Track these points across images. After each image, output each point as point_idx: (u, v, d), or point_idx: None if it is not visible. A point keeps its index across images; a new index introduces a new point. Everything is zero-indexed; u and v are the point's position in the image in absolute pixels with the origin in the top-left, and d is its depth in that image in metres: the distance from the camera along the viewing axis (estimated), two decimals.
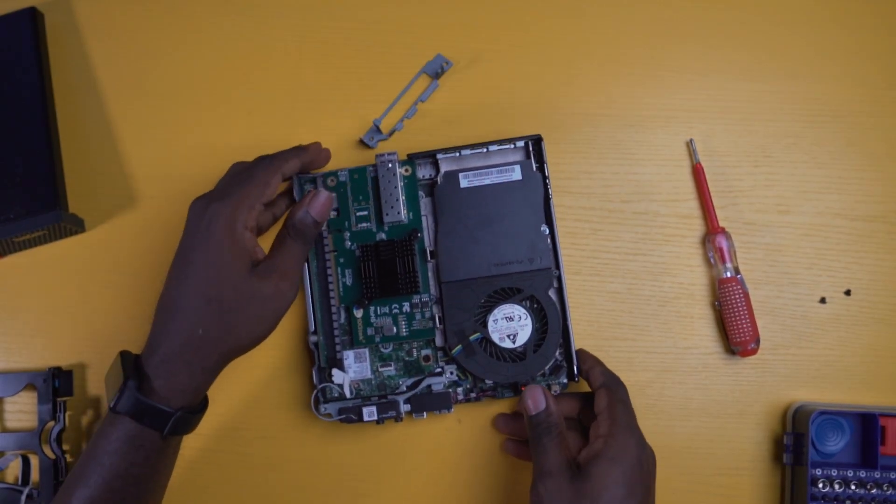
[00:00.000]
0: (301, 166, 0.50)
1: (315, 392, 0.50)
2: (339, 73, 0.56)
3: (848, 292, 0.54)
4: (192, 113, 0.56)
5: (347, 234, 0.51)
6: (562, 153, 0.55)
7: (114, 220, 0.55)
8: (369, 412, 0.50)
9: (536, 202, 0.50)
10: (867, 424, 0.51)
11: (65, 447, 0.53)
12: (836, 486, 0.50)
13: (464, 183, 0.51)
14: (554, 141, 0.55)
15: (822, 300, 0.54)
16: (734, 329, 0.52)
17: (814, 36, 0.56)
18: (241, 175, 0.47)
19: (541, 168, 0.51)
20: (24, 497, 0.51)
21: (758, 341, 0.52)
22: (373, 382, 0.51)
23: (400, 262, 0.50)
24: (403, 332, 0.50)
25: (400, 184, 0.51)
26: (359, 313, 0.51)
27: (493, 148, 0.51)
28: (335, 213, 0.51)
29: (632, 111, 0.55)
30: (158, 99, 0.56)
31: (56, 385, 0.52)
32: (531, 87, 0.56)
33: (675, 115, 0.55)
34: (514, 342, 0.50)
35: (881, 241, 0.54)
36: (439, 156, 0.51)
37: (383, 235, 0.51)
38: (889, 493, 0.49)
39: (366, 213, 0.51)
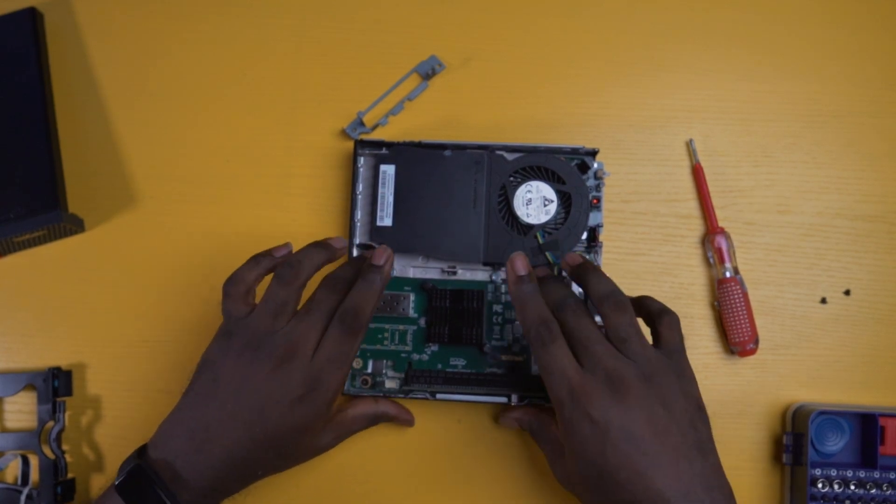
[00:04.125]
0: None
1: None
2: (339, 73, 0.56)
3: (848, 292, 0.54)
4: (192, 113, 0.56)
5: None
6: None
7: (114, 220, 0.55)
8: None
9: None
10: (867, 424, 0.51)
11: (64, 447, 0.53)
12: (836, 486, 0.50)
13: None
14: (554, 141, 0.55)
15: (823, 300, 0.54)
16: (733, 329, 0.52)
17: (814, 36, 0.56)
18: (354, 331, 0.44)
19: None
20: (23, 497, 0.51)
21: (756, 341, 0.52)
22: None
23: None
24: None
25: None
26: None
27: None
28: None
29: (632, 111, 0.55)
30: (158, 99, 0.56)
31: (55, 385, 0.52)
32: (529, 87, 0.56)
33: (674, 115, 0.55)
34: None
35: (881, 241, 0.54)
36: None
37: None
38: (889, 493, 0.49)
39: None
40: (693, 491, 0.40)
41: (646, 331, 0.45)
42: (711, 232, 0.53)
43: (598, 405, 0.41)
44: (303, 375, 0.43)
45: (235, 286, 0.45)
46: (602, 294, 0.44)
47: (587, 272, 0.46)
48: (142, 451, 0.44)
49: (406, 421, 0.51)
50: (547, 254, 0.50)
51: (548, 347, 0.43)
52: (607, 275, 0.46)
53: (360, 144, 0.53)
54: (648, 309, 0.46)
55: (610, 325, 0.43)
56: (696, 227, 0.54)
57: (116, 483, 0.42)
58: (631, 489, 0.40)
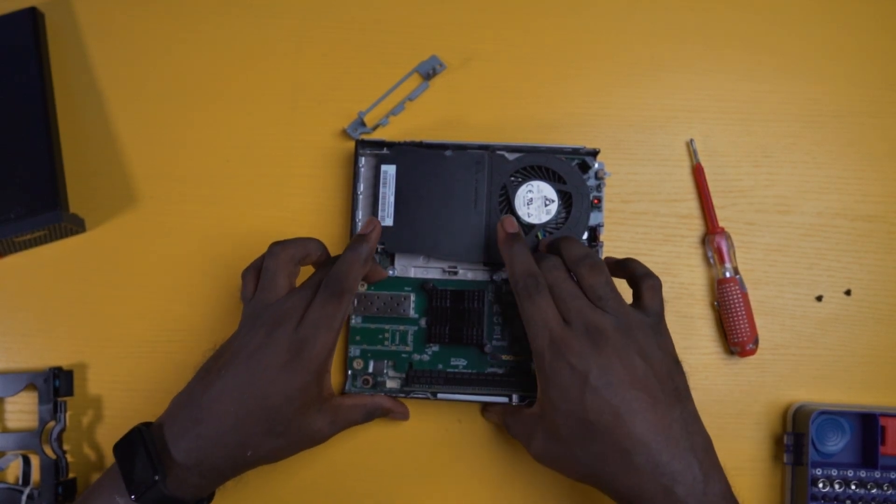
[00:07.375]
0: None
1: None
2: (339, 73, 0.56)
3: (848, 292, 0.54)
4: (192, 113, 0.56)
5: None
6: None
7: (114, 220, 0.55)
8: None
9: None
10: (867, 424, 0.51)
11: (65, 447, 0.53)
12: (837, 486, 0.50)
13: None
14: (554, 141, 0.55)
15: (819, 298, 0.54)
16: (732, 329, 0.52)
17: (814, 36, 0.56)
18: (333, 300, 0.45)
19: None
20: (24, 497, 0.51)
21: (756, 341, 0.52)
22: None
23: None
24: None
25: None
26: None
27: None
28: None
29: (632, 111, 0.55)
30: (158, 99, 0.56)
31: (56, 385, 0.52)
32: (530, 87, 0.56)
33: (675, 115, 0.55)
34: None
35: (881, 241, 0.54)
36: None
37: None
38: (889, 493, 0.49)
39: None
40: (673, 435, 0.41)
41: (627, 295, 0.47)
42: (711, 232, 0.53)
43: (578, 353, 0.42)
44: (289, 341, 0.44)
45: (248, 273, 0.48)
46: (577, 256, 0.46)
47: (560, 241, 0.48)
48: (149, 423, 0.45)
49: (401, 415, 0.51)
50: (538, 233, 0.51)
51: (533, 298, 0.44)
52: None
53: (361, 144, 0.53)
54: (632, 271, 0.48)
55: (586, 285, 0.45)
56: (697, 227, 0.54)
57: (115, 445, 0.44)
58: (612, 435, 0.41)
